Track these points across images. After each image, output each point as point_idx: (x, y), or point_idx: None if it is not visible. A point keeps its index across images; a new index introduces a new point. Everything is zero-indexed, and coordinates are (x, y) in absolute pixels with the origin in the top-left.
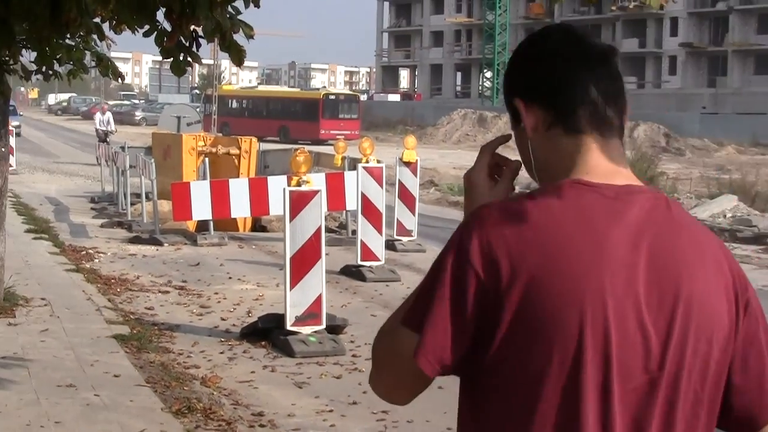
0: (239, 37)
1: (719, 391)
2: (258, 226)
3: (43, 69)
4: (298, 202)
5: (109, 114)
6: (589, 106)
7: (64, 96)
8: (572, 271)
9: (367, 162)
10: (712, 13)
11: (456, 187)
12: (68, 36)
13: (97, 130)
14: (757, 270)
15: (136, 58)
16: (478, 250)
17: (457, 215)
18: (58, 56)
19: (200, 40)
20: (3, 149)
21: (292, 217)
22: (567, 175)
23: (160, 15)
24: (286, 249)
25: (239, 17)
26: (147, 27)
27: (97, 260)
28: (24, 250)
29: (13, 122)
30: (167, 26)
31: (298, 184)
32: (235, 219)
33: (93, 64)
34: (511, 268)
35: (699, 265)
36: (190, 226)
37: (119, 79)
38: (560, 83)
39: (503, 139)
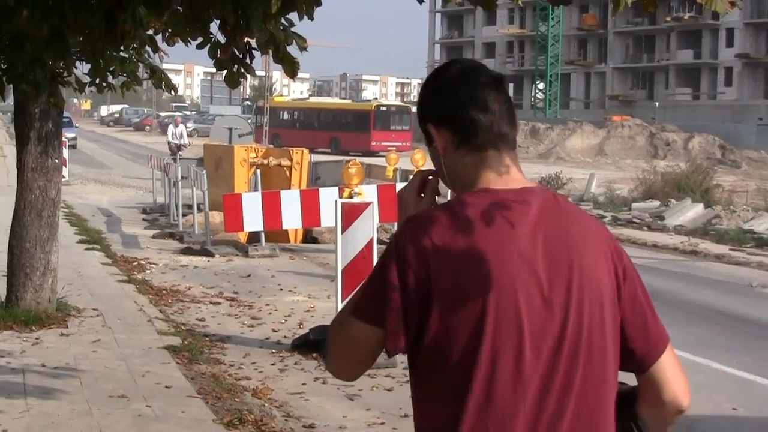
0: (292, 49)
1: (617, 341)
2: (309, 237)
3: (97, 81)
4: (350, 213)
5: (182, 127)
6: (487, 127)
7: (117, 107)
8: (485, 262)
9: None
10: None
11: None
12: (122, 48)
13: (169, 143)
14: None
15: (187, 70)
16: (413, 253)
17: None
18: (111, 68)
19: (254, 52)
20: (56, 160)
21: (343, 229)
22: (474, 185)
23: (213, 27)
24: (338, 261)
25: (292, 29)
26: (200, 39)
27: (148, 271)
28: (76, 260)
29: (69, 134)
30: (221, 38)
31: (350, 196)
32: (286, 230)
33: (146, 75)
34: (438, 264)
35: (584, 244)
36: (241, 237)
37: (172, 91)
38: (462, 109)
39: (433, 172)
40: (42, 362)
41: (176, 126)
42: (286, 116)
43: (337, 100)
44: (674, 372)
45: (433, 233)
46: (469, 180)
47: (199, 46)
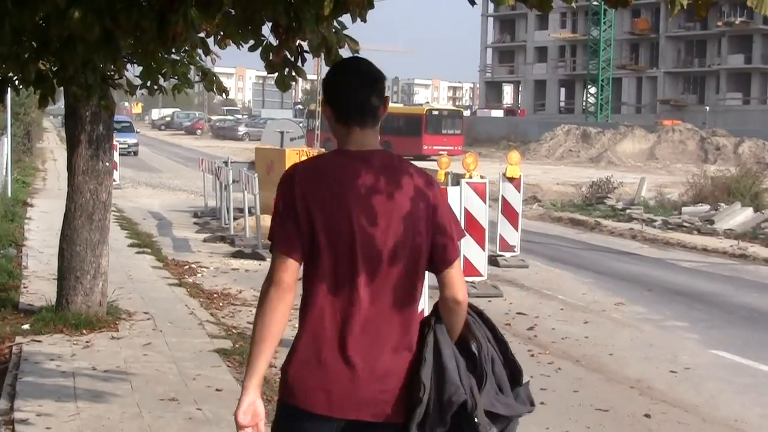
0: (344, 52)
1: (426, 254)
2: None
3: (148, 83)
4: None
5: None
6: (351, 111)
7: (168, 111)
8: (338, 195)
9: (470, 177)
10: None
11: (559, 203)
12: (173, 50)
13: None
14: None
15: (239, 73)
16: (295, 188)
17: (561, 231)
18: (163, 71)
19: (305, 54)
20: (107, 163)
21: None
22: (342, 146)
23: (265, 30)
24: None
25: (345, 32)
26: (252, 42)
27: (199, 275)
28: (127, 264)
29: (131, 140)
30: (273, 41)
31: None
32: None
33: (197, 78)
34: (312, 196)
35: (409, 187)
36: None
37: (223, 94)
38: (339, 95)
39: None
40: (92, 365)
41: None
42: None
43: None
44: (456, 278)
45: (307, 174)
46: (341, 143)
47: (251, 49)
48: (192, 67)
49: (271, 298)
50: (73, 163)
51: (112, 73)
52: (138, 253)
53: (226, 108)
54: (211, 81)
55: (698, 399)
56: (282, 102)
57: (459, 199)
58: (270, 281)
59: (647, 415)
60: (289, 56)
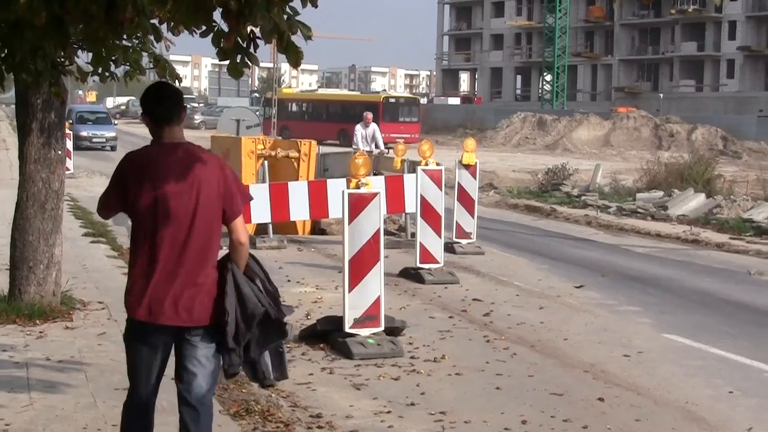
0: (297, 39)
1: (220, 213)
2: (317, 229)
3: (99, 70)
4: (358, 204)
5: (374, 126)
6: (160, 117)
7: (123, 99)
8: (152, 175)
9: (426, 165)
10: None
11: (515, 190)
12: (125, 37)
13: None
14: None
15: (195, 61)
16: (124, 171)
17: (517, 217)
18: (114, 57)
19: (258, 41)
20: (59, 152)
21: (351, 220)
22: (158, 140)
23: (217, 15)
24: (345, 251)
25: (297, 18)
26: (204, 27)
27: None
28: (81, 253)
29: (108, 133)
30: (225, 27)
31: (357, 187)
32: (294, 222)
33: (150, 65)
34: (129, 171)
35: (206, 169)
36: (249, 229)
37: (177, 81)
38: (152, 107)
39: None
40: (46, 356)
41: (366, 126)
42: (294, 108)
43: (345, 91)
44: (239, 226)
45: (134, 157)
46: (156, 138)
47: (203, 35)
48: (144, 54)
49: (138, 241)
50: (24, 152)
51: (63, 59)
52: (93, 242)
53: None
54: (163, 68)
55: (651, 382)
56: (239, 90)
57: (415, 187)
58: (135, 227)
59: (601, 399)
60: (241, 42)
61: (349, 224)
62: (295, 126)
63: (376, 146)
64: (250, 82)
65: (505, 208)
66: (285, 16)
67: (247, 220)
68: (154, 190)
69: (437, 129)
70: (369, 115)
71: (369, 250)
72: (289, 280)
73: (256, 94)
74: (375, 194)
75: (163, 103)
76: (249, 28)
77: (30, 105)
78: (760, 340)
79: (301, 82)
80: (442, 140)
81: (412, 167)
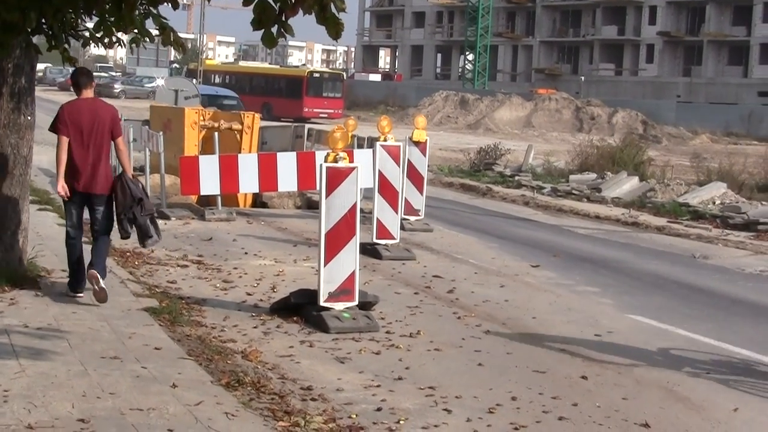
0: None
1: (109, 135)
2: (259, 202)
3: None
4: (335, 178)
5: None
6: (79, 83)
7: (40, 66)
8: (78, 113)
9: (385, 140)
10: (689, 2)
11: (446, 169)
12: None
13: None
14: (753, 256)
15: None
16: (64, 113)
17: (454, 196)
18: (121, 23)
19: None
20: (29, 117)
21: (328, 194)
22: (79, 97)
23: None
24: (322, 225)
25: None
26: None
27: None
28: (33, 221)
29: None
30: None
31: (335, 161)
32: (235, 194)
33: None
34: (66, 113)
35: (103, 111)
36: (192, 199)
37: (181, 48)
38: (76, 79)
39: None
40: (23, 323)
41: None
42: (217, 80)
43: (267, 65)
44: (119, 141)
45: (66, 106)
46: (78, 95)
47: (245, 3)
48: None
49: (63, 148)
50: None
51: (80, 23)
52: (40, 210)
53: (99, 65)
54: (168, 35)
55: (627, 362)
56: (157, 60)
57: (372, 162)
58: (60, 142)
59: (584, 377)
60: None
61: (326, 198)
62: None
63: None
64: (168, 53)
65: (440, 186)
66: None
67: (196, 191)
68: (78, 121)
69: (359, 105)
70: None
71: (345, 225)
72: (246, 253)
73: (176, 65)
74: (352, 168)
75: (82, 77)
76: None
77: (1, 69)
78: (722, 323)
79: (218, 54)
80: (363, 116)
81: (370, 143)
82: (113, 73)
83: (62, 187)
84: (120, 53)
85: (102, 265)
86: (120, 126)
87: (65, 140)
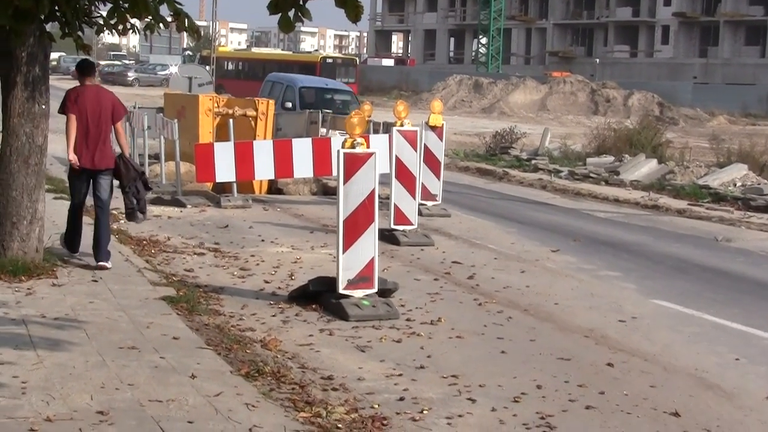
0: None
1: (110, 119)
2: (274, 188)
3: (119, 24)
4: (352, 164)
5: None
6: (86, 74)
7: (54, 55)
8: (82, 99)
9: (401, 125)
10: None
11: (461, 153)
12: None
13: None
14: None
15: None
16: (71, 96)
17: (470, 180)
18: (135, 9)
19: None
20: (43, 106)
21: (345, 180)
22: (82, 84)
23: None
24: (340, 212)
25: None
26: None
27: (122, 221)
28: (48, 210)
29: None
30: None
31: (353, 146)
32: (251, 181)
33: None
34: (76, 99)
35: (105, 97)
36: (208, 186)
37: (195, 34)
38: (79, 70)
39: None
40: (41, 313)
41: None
42: (230, 66)
43: (279, 51)
44: (118, 125)
45: (71, 91)
46: (81, 83)
47: None
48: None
49: (72, 125)
50: (8, 106)
51: (93, 10)
52: (56, 198)
53: (113, 53)
54: (183, 21)
55: (654, 348)
56: (170, 48)
57: (389, 148)
58: (70, 120)
59: (610, 364)
60: None
61: (343, 185)
62: (231, 85)
63: None
64: (181, 40)
65: (456, 170)
66: None
67: (212, 178)
68: (83, 105)
69: (372, 90)
70: None
71: (363, 211)
72: (263, 240)
73: (189, 53)
74: (370, 154)
75: (86, 69)
76: None
77: (15, 58)
78: (750, 307)
79: (230, 41)
80: (377, 102)
81: (386, 128)
82: (126, 61)
83: (73, 158)
84: (133, 41)
85: (107, 242)
86: (120, 110)
87: (74, 117)
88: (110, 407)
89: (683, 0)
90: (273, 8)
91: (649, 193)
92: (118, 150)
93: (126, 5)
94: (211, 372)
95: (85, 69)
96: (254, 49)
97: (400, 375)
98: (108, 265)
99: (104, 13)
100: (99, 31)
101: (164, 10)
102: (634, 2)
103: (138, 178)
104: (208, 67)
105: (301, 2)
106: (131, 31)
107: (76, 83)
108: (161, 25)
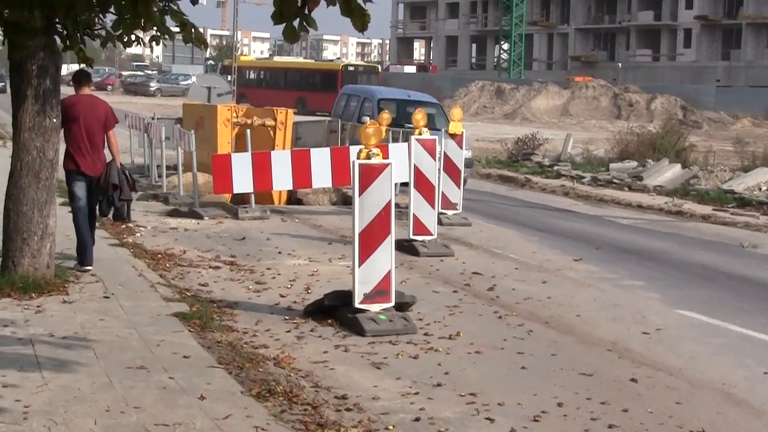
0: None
1: (103, 127)
2: (294, 198)
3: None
4: (368, 175)
5: None
6: (82, 82)
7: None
8: (76, 108)
9: (420, 134)
10: None
11: (483, 160)
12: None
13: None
14: None
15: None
16: (66, 105)
17: (492, 187)
18: (139, 21)
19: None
20: (54, 120)
21: (361, 191)
22: (78, 93)
23: None
24: (355, 224)
25: None
26: None
27: (138, 234)
28: (62, 224)
29: None
30: None
31: (368, 157)
32: (270, 192)
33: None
34: (70, 109)
35: (99, 106)
36: (226, 198)
37: (203, 45)
38: (75, 78)
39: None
40: (49, 332)
41: None
42: (252, 75)
43: (301, 59)
44: (110, 133)
45: (66, 100)
46: (77, 92)
47: None
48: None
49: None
50: (19, 119)
51: (97, 22)
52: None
53: (135, 64)
54: (190, 32)
55: (679, 362)
56: (192, 58)
57: (408, 156)
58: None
59: (634, 380)
60: (299, 4)
61: (359, 196)
62: (253, 94)
63: None
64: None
65: (477, 177)
66: None
67: (229, 189)
68: (78, 113)
69: None
70: None
71: (379, 223)
72: (279, 252)
73: (211, 62)
74: (386, 165)
75: (82, 77)
76: None
77: (25, 71)
78: None
79: (252, 50)
80: None
81: (405, 136)
82: (149, 72)
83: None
84: (156, 51)
85: (92, 245)
86: (112, 120)
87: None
88: None
89: (705, 3)
90: (277, 17)
91: (673, 199)
92: (110, 157)
93: (128, 17)
94: (221, 392)
95: (81, 78)
96: (276, 58)
97: (417, 393)
98: (89, 268)
99: (109, 25)
100: (103, 44)
101: (170, 22)
102: (656, 6)
103: (113, 191)
104: (228, 77)
105: (305, 11)
106: (136, 42)
107: (97, 94)
108: (167, 36)
